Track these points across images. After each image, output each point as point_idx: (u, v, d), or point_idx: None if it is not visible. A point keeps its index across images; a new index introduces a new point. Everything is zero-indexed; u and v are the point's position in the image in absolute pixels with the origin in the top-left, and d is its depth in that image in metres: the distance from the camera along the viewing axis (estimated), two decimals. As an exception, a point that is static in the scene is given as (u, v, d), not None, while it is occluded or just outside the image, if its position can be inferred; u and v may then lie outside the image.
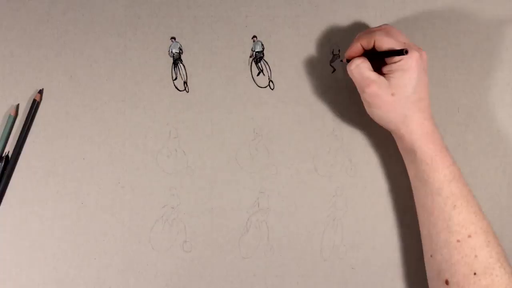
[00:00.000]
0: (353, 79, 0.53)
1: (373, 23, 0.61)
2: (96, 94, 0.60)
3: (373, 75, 0.51)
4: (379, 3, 0.61)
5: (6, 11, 0.60)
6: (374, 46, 0.52)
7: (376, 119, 0.53)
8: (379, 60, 0.52)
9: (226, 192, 0.59)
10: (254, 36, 0.61)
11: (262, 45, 0.61)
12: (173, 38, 0.61)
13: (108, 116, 0.60)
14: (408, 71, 0.50)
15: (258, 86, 0.60)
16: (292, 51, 0.61)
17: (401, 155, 0.55)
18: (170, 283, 0.59)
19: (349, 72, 0.53)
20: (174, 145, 0.60)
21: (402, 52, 0.49)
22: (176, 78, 0.60)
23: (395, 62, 0.51)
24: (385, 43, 0.51)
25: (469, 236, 0.49)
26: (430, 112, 0.52)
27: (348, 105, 0.60)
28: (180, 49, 0.60)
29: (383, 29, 0.53)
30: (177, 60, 0.60)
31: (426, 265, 0.53)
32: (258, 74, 0.61)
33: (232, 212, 0.59)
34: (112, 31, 0.60)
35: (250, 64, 0.61)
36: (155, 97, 0.60)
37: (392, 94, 0.50)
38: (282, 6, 0.61)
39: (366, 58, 0.52)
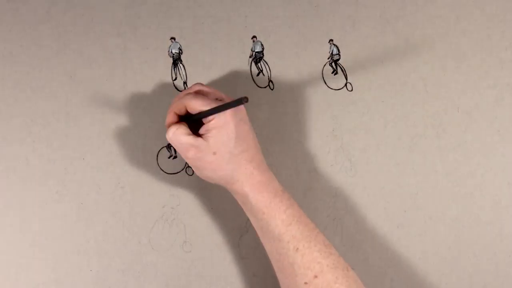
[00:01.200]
0: (174, 147, 0.52)
1: (373, 23, 0.61)
2: (96, 94, 0.60)
3: (191, 139, 0.50)
4: (379, 3, 0.61)
5: (6, 11, 0.60)
6: (189, 111, 0.51)
7: (206, 179, 0.53)
8: (197, 121, 0.52)
9: (226, 192, 0.59)
10: (254, 36, 0.61)
11: (262, 45, 0.61)
12: (173, 38, 0.61)
13: (108, 116, 0.60)
14: (223, 127, 0.49)
15: (258, 86, 0.60)
16: (292, 51, 0.61)
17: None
18: (170, 283, 0.59)
19: (168, 139, 0.52)
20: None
21: (210, 113, 0.48)
22: (176, 78, 0.60)
23: (209, 121, 0.50)
24: (196, 105, 0.50)
25: (316, 277, 0.48)
26: (260, 158, 0.52)
27: (348, 105, 0.60)
28: (180, 49, 0.61)
29: (192, 92, 0.52)
30: (177, 60, 0.60)
31: None
32: (258, 74, 0.61)
33: (232, 212, 0.59)
34: (112, 31, 0.60)
35: (250, 64, 0.61)
36: (155, 97, 0.60)
37: (214, 153, 0.50)
38: (282, 6, 0.61)
39: (183, 123, 0.52)
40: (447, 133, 0.60)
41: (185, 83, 0.60)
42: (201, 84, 0.54)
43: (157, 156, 0.60)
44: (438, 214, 0.59)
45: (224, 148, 0.50)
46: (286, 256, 0.49)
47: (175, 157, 0.60)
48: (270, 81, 0.61)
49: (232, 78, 0.60)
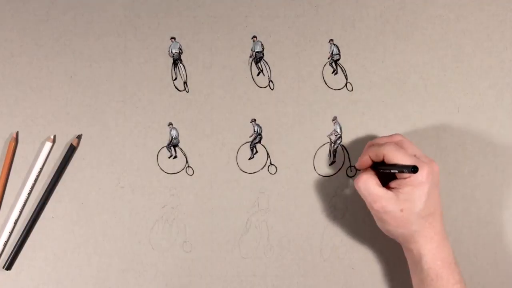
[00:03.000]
0: (361, 195, 0.52)
1: (373, 23, 0.61)
2: (96, 94, 0.60)
3: (381, 191, 0.50)
4: (379, 3, 0.61)
5: (6, 11, 0.60)
6: (383, 159, 0.51)
7: (385, 232, 0.53)
8: (388, 172, 0.51)
9: (226, 192, 0.59)
10: (254, 36, 0.61)
11: (262, 45, 0.61)
12: (173, 38, 0.60)
13: (108, 116, 0.60)
14: (418, 187, 0.49)
15: (258, 86, 0.60)
16: (292, 51, 0.61)
17: None
18: (170, 283, 0.59)
19: (356, 188, 0.52)
20: (174, 145, 0.60)
21: (411, 169, 0.48)
22: (176, 78, 0.60)
23: (404, 178, 0.50)
24: (395, 157, 0.50)
25: None
26: (442, 224, 0.51)
27: (348, 105, 0.60)
28: (180, 49, 0.60)
29: (393, 142, 0.52)
30: (177, 60, 0.60)
31: None
32: (258, 74, 0.61)
33: (232, 212, 0.59)
34: (112, 31, 0.60)
35: (250, 64, 0.61)
36: (155, 97, 0.60)
37: (401, 210, 0.49)
38: (282, 6, 0.61)
39: (373, 172, 0.52)
40: (447, 133, 0.60)
41: (185, 83, 0.60)
42: (402, 136, 0.53)
43: (157, 156, 0.60)
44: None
45: (412, 208, 0.49)
46: None
47: (175, 157, 0.60)
48: (270, 81, 0.60)
49: (232, 78, 0.60)
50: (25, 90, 0.60)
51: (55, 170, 0.59)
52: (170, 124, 0.60)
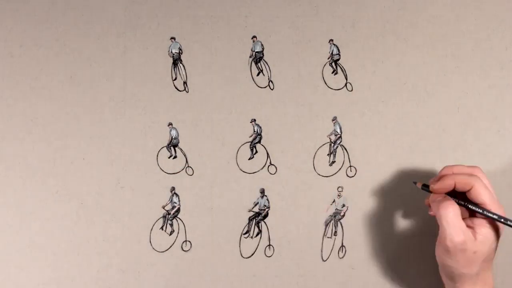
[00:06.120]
0: (442, 221, 0.48)
1: (373, 23, 0.61)
2: (96, 94, 0.60)
3: (463, 226, 0.47)
4: (379, 3, 0.61)
5: (6, 11, 0.60)
6: (468, 191, 0.49)
7: (442, 266, 0.50)
8: (462, 204, 0.49)
9: (226, 192, 0.59)
10: (254, 36, 0.61)
11: (262, 45, 0.61)
12: (173, 38, 0.61)
13: (108, 116, 0.60)
14: (493, 231, 0.48)
15: (258, 86, 0.60)
16: (292, 51, 0.61)
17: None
18: (170, 283, 0.59)
19: (436, 213, 0.48)
20: (174, 145, 0.60)
21: (502, 220, 0.46)
22: (176, 78, 0.60)
23: (482, 217, 0.48)
24: (482, 196, 0.48)
25: None
26: (491, 274, 0.50)
27: (348, 105, 0.60)
28: (180, 49, 0.60)
29: (483, 178, 0.50)
30: (177, 60, 0.60)
31: None
32: (258, 74, 0.61)
33: (232, 212, 0.59)
34: (112, 31, 0.60)
35: (250, 64, 0.61)
36: (155, 97, 0.60)
37: (474, 252, 0.47)
38: (282, 6, 0.61)
39: (457, 205, 0.48)
40: (447, 133, 0.60)
41: (185, 83, 0.60)
42: (482, 171, 0.51)
43: (157, 156, 0.60)
44: (438, 214, 0.59)
45: (485, 252, 0.48)
46: None
47: (175, 157, 0.60)
48: (270, 81, 0.60)
49: (232, 78, 0.60)
50: (25, 90, 0.60)
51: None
52: (170, 124, 0.60)
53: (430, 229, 0.57)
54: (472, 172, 0.50)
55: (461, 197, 0.50)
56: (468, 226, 0.48)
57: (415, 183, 0.54)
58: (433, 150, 0.60)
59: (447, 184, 0.49)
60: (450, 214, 0.47)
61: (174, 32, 0.61)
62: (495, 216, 0.48)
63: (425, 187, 0.52)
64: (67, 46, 0.60)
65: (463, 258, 0.47)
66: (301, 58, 0.61)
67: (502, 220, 0.47)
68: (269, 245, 0.59)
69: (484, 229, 0.48)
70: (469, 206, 0.49)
